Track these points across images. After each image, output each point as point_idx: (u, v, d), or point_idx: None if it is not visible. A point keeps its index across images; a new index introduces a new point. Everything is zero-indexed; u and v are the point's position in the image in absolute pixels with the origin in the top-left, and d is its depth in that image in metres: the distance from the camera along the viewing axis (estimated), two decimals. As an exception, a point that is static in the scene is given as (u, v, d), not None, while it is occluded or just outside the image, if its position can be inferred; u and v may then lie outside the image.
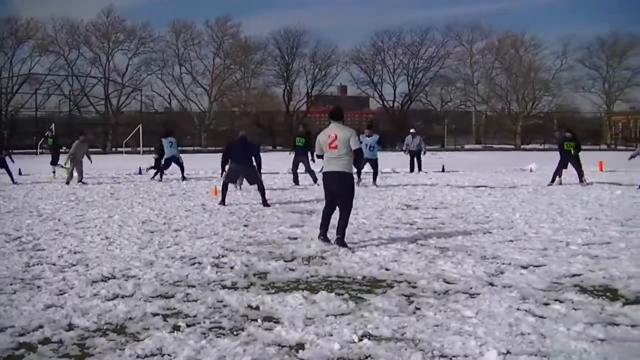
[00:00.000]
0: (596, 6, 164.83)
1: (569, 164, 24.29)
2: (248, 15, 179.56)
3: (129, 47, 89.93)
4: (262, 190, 17.79)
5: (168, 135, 28.21)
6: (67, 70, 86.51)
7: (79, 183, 24.70)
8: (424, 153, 33.33)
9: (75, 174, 25.39)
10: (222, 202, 17.58)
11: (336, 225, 11.32)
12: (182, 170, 27.51)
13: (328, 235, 11.53)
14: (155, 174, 27.68)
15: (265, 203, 17.48)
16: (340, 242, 11.13)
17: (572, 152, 24.19)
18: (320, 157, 11.85)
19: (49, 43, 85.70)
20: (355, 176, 12.59)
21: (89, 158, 25.73)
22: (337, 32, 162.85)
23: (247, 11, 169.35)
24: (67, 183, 24.51)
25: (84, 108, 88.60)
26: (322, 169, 12.60)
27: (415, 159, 32.43)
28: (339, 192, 11.37)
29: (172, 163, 27.40)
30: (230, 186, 19.07)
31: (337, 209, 11.49)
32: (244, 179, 19.54)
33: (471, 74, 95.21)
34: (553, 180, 24.10)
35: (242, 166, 17.88)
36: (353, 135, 11.25)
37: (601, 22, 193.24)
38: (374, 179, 24.30)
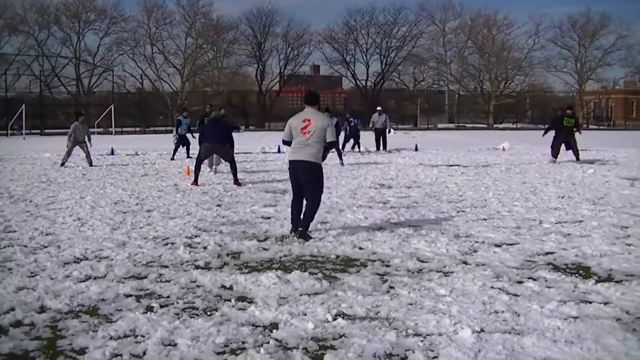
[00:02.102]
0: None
1: (566, 142, 24.42)
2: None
3: (100, 27, 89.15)
4: (234, 168, 17.87)
5: (185, 115, 29.01)
6: (37, 50, 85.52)
7: (89, 167, 24.02)
8: (389, 131, 33.47)
9: (73, 155, 24.88)
10: (195, 182, 17.55)
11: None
12: (188, 148, 27.76)
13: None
14: (174, 152, 28.09)
15: (236, 181, 17.56)
16: (303, 234, 10.17)
17: (573, 129, 24.34)
18: (288, 143, 10.62)
19: (18, 22, 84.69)
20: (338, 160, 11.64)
21: (89, 140, 25.08)
22: (309, 11, 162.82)
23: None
24: (62, 165, 24.11)
25: (55, 89, 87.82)
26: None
27: (381, 137, 32.49)
28: (305, 183, 10.34)
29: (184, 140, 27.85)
30: (203, 167, 18.96)
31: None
32: (219, 161, 19.44)
33: (444, 54, 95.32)
34: (555, 156, 24.25)
35: (214, 145, 17.91)
36: (331, 126, 10.28)
37: (573, 3, 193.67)
38: (340, 158, 24.49)
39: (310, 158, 10.18)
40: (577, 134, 24.63)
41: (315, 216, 10.42)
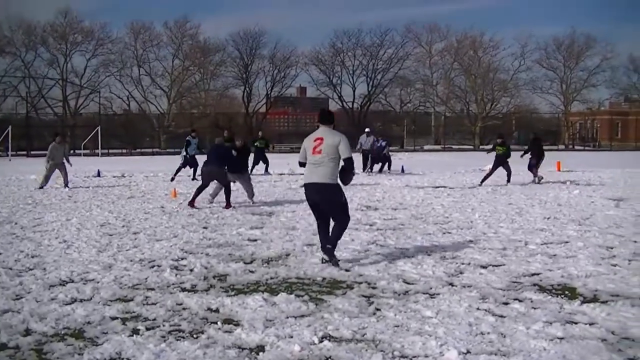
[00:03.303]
0: (553, 7, 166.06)
1: (501, 166, 24.69)
2: (207, 16, 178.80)
3: (86, 49, 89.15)
4: (228, 192, 17.63)
5: (194, 135, 28.79)
6: (23, 71, 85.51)
7: (65, 188, 23.86)
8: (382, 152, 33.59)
9: (52, 179, 24.71)
10: (192, 204, 17.47)
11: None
12: (195, 170, 27.41)
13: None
14: (177, 172, 28.19)
15: (228, 205, 17.33)
16: (328, 252, 9.76)
17: (503, 154, 24.62)
18: (303, 165, 10.09)
19: (5, 44, 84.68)
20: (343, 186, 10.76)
21: (68, 160, 24.90)
22: (296, 33, 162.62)
23: (205, 12, 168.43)
24: (41, 187, 23.98)
25: (41, 110, 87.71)
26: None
27: (368, 159, 32.59)
28: (325, 206, 9.86)
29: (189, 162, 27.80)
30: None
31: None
32: (218, 190, 18.54)
33: (430, 75, 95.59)
34: (483, 181, 24.58)
35: (215, 168, 17.57)
36: (344, 141, 9.66)
37: (558, 23, 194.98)
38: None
39: (324, 179, 9.61)
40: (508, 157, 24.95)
41: (303, 238, 10.31)
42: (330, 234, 9.89)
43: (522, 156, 25.99)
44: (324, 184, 9.62)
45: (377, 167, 32.06)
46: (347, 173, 9.96)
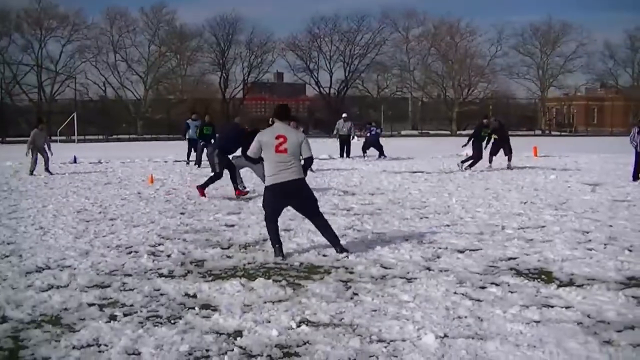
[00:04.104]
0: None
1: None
2: (183, 2, 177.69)
3: (62, 34, 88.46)
4: (215, 180, 16.84)
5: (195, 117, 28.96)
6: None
7: (46, 172, 23.87)
8: (353, 138, 33.65)
9: (39, 163, 24.58)
10: (202, 192, 16.44)
11: (328, 241, 9.80)
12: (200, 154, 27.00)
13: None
14: (188, 155, 28.45)
15: (203, 192, 16.62)
16: (341, 249, 9.58)
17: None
18: (252, 160, 9.99)
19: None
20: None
21: (49, 148, 24.82)
22: (273, 19, 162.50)
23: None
24: (31, 173, 23.87)
25: (16, 96, 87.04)
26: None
27: (345, 145, 32.63)
28: (304, 202, 9.74)
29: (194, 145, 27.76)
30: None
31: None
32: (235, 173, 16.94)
33: (407, 61, 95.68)
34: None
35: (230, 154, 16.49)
36: (306, 141, 9.56)
37: (535, 11, 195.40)
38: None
39: (299, 175, 9.46)
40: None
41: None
42: (326, 236, 9.77)
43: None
44: (300, 180, 9.49)
45: (365, 154, 32.04)
46: (305, 171, 9.78)
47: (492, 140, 24.64)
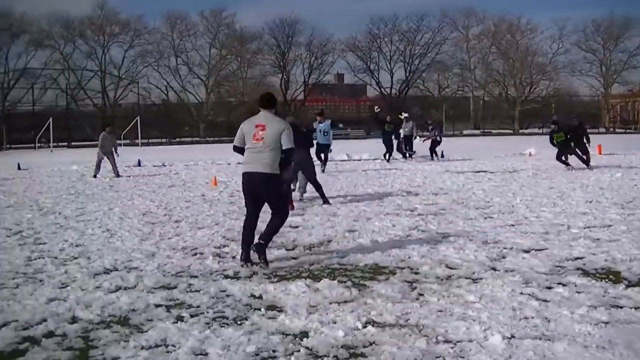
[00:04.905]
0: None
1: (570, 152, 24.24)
2: (242, 5, 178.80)
3: (124, 40, 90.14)
4: (318, 187, 15.73)
5: None
6: (62, 64, 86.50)
7: (115, 178, 24.24)
8: (415, 138, 33.42)
9: (103, 166, 25.04)
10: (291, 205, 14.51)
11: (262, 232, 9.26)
12: None
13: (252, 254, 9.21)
14: None
15: (325, 201, 15.45)
16: (259, 247, 9.02)
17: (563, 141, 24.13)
18: (239, 150, 9.34)
19: (43, 37, 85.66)
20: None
21: (116, 151, 25.31)
22: (332, 20, 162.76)
23: (240, 1, 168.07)
24: (94, 176, 24.30)
25: (81, 101, 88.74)
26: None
27: (408, 145, 32.41)
28: (265, 198, 9.19)
29: None
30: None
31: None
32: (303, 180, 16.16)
33: (468, 60, 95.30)
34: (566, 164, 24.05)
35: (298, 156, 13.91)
36: (287, 131, 8.97)
37: (596, 5, 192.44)
38: (324, 164, 24.75)
39: (266, 169, 8.91)
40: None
41: (344, 224, 10.18)
42: (266, 227, 9.20)
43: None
44: (266, 174, 8.93)
45: (435, 155, 31.71)
46: (286, 164, 9.33)
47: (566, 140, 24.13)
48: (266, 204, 9.27)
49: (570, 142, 24.07)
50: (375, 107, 33.49)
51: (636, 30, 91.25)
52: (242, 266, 8.97)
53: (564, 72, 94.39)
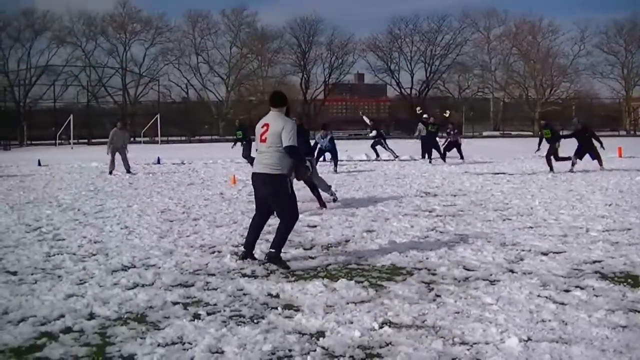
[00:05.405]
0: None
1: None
2: (263, 4, 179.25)
3: (145, 38, 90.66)
4: (325, 187, 15.45)
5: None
6: (84, 61, 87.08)
7: (128, 174, 24.44)
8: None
9: (118, 162, 25.15)
10: (323, 204, 14.86)
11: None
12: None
13: (256, 253, 9.40)
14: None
15: (323, 204, 14.95)
16: (272, 257, 8.86)
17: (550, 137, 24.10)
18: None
19: (66, 34, 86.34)
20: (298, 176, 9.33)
21: (126, 147, 25.32)
22: (353, 20, 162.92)
23: (262, 0, 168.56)
24: (110, 173, 24.40)
25: (101, 98, 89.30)
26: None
27: (427, 146, 32.16)
28: (268, 199, 9.00)
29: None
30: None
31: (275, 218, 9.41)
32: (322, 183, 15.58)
33: (488, 61, 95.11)
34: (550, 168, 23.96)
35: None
36: (287, 128, 8.67)
37: (619, 7, 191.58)
38: (335, 165, 24.92)
39: (266, 169, 8.75)
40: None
41: (362, 224, 10.16)
42: (275, 234, 9.06)
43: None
44: (268, 175, 8.75)
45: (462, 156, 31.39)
46: (298, 165, 9.05)
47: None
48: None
49: (556, 140, 23.98)
50: (445, 112, 33.38)
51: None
52: (236, 261, 9.12)
53: (585, 74, 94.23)
